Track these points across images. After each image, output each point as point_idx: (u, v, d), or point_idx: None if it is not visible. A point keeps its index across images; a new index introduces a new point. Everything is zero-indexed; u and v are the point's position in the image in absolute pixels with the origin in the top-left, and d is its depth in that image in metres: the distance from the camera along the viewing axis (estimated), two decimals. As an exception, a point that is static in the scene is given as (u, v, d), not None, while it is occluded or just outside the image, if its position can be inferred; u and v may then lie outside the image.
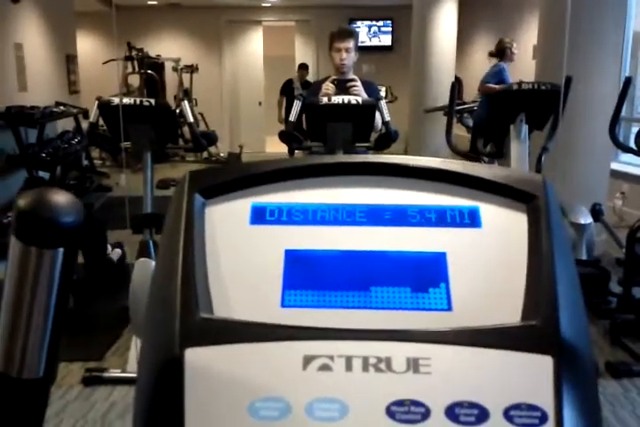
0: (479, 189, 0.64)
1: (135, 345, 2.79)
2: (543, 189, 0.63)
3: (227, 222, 0.62)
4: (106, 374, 2.75)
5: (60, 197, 0.50)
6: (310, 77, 9.38)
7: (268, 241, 0.61)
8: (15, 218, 0.50)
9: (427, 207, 0.63)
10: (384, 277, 0.59)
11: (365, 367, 0.51)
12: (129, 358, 2.82)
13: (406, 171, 0.65)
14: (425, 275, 0.59)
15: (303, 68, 8.32)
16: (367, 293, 0.58)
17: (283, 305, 0.57)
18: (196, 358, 0.52)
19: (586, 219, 3.43)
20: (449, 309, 0.57)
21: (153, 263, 2.76)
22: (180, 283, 0.56)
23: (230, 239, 0.61)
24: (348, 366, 0.51)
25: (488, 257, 0.60)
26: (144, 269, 2.75)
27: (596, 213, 3.53)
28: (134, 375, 2.42)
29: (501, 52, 5.56)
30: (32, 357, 0.52)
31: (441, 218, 0.63)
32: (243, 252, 0.60)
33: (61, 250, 0.51)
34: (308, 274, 0.59)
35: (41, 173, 5.23)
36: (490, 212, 0.63)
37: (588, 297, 3.49)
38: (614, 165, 5.17)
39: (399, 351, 0.52)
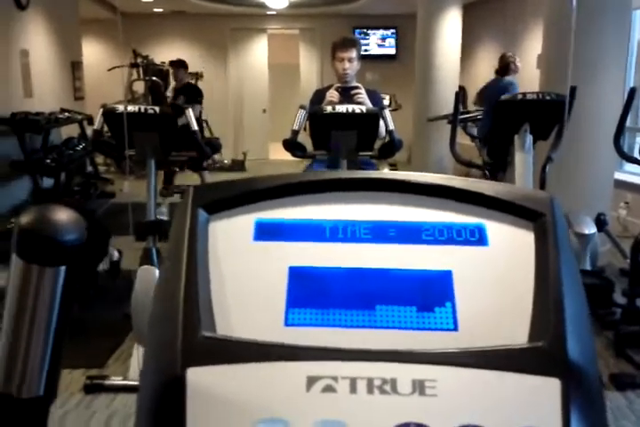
0: (485, 207, 0.63)
1: (137, 353, 2.78)
2: (550, 207, 0.62)
3: (230, 238, 0.62)
4: (107, 382, 2.73)
5: (62, 215, 0.50)
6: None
7: (272, 258, 0.60)
8: (16, 236, 0.49)
9: (432, 224, 0.63)
10: (389, 296, 0.58)
11: (370, 389, 0.51)
12: (131, 365, 2.81)
13: (411, 187, 0.64)
14: (431, 294, 0.58)
15: (177, 65, 6.11)
16: (372, 311, 0.57)
17: (286, 324, 0.56)
18: (198, 377, 0.51)
19: (590, 229, 3.42)
20: (455, 329, 0.56)
21: (156, 271, 2.75)
22: (182, 300, 0.55)
23: (233, 256, 0.60)
24: (353, 388, 0.51)
25: (494, 276, 0.59)
26: (147, 277, 2.75)
27: (601, 222, 3.51)
28: (136, 383, 2.39)
29: (505, 68, 5.55)
30: (32, 376, 0.51)
31: (447, 235, 0.62)
32: (246, 268, 0.60)
33: (63, 268, 0.50)
34: (312, 292, 0.58)
35: (45, 179, 5.24)
36: (496, 230, 0.62)
37: (592, 308, 3.47)
38: (618, 175, 5.16)
39: (405, 373, 0.51)
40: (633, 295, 3.18)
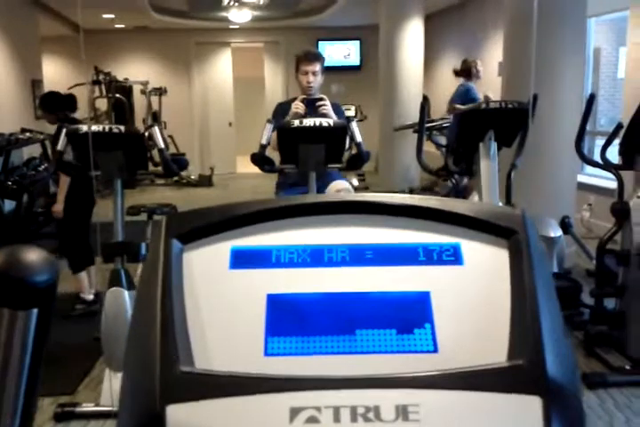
0: (459, 226, 0.64)
1: (108, 378, 2.71)
2: (523, 224, 0.63)
3: (206, 267, 0.61)
4: (78, 409, 2.65)
5: (33, 255, 0.48)
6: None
7: (249, 286, 0.59)
8: None
9: (408, 245, 0.63)
10: (369, 320, 0.58)
11: (354, 418, 0.50)
12: (102, 391, 2.73)
13: (386, 208, 0.64)
14: (410, 316, 0.58)
15: None
16: (352, 336, 0.57)
17: (266, 353, 0.55)
18: (178, 414, 0.50)
19: (555, 232, 3.48)
20: (435, 350, 0.56)
21: (125, 293, 2.70)
22: (158, 335, 0.54)
23: (210, 285, 0.59)
24: (336, 418, 0.50)
25: (471, 295, 0.60)
26: (116, 299, 2.69)
27: (566, 225, 3.57)
28: (108, 409, 2.31)
29: (467, 72, 5.66)
30: (4, 423, 0.49)
31: (423, 256, 0.62)
32: (223, 298, 0.59)
33: (35, 311, 0.49)
34: (291, 319, 0.57)
35: (7, 202, 5.11)
36: (471, 248, 0.63)
37: (561, 309, 3.51)
38: (581, 178, 5.28)
39: (387, 399, 0.51)
40: (600, 296, 3.24)
